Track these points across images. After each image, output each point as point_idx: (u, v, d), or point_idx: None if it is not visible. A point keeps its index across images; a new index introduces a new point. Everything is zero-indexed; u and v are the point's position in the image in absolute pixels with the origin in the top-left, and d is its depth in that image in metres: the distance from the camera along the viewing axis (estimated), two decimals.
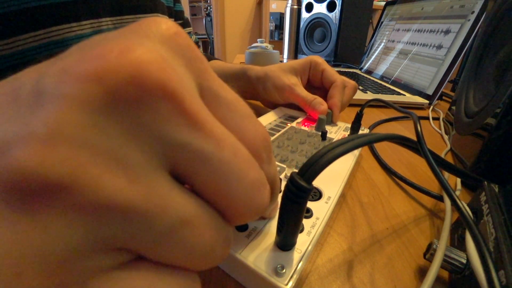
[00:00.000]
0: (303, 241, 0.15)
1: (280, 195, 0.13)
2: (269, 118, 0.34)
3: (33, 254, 0.06)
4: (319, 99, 0.34)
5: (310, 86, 0.39)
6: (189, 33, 0.58)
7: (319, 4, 1.02)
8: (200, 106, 0.08)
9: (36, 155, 0.06)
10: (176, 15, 0.52)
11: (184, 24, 0.57)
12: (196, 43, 0.60)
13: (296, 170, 0.12)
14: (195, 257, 0.08)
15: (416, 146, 0.18)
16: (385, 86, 0.67)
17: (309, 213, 0.18)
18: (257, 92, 0.42)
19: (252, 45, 0.80)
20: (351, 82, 0.38)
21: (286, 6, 1.13)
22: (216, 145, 0.08)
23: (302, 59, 0.38)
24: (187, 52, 0.09)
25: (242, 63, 0.42)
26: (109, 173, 0.06)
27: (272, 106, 0.44)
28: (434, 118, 0.47)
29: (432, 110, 0.52)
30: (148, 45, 0.07)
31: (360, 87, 0.63)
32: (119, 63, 0.07)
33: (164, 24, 0.09)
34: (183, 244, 0.08)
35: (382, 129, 0.43)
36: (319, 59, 0.38)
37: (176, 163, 0.08)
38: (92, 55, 0.07)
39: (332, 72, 0.37)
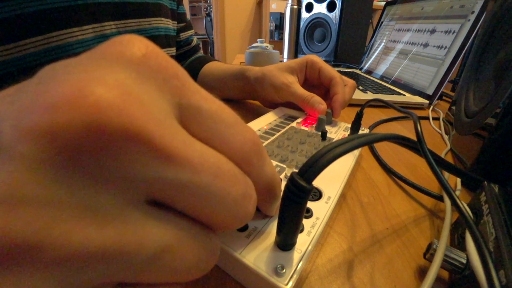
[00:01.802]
0: (303, 241, 0.15)
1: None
2: (269, 118, 0.34)
3: None
4: (317, 98, 0.34)
5: (308, 85, 0.39)
6: (190, 35, 0.58)
7: (319, 4, 1.02)
8: (171, 136, 0.07)
9: None
10: (179, 17, 0.52)
11: (187, 26, 0.57)
12: (197, 45, 0.61)
13: (296, 170, 0.12)
14: (180, 276, 0.08)
15: (416, 146, 0.18)
16: (385, 86, 0.67)
17: (309, 213, 0.18)
18: (256, 92, 0.42)
19: (252, 45, 0.80)
20: (350, 81, 0.38)
21: (286, 6, 1.13)
22: (193, 171, 0.08)
23: (299, 58, 0.39)
24: (159, 73, 0.08)
25: (242, 63, 0.42)
26: (77, 225, 0.06)
27: (271, 106, 0.44)
28: (434, 118, 0.47)
29: (432, 110, 0.52)
30: (108, 80, 0.07)
31: (360, 87, 0.63)
32: (72, 113, 0.06)
33: (131, 46, 0.08)
34: (166, 268, 0.08)
35: (382, 129, 0.43)
36: (316, 58, 0.38)
37: (152, 194, 0.08)
38: (44, 103, 0.06)
39: (329, 69, 0.37)
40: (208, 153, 0.09)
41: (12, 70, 0.28)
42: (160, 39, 0.44)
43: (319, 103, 0.34)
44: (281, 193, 0.13)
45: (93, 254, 0.06)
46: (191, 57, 0.58)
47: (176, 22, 0.50)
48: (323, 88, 0.38)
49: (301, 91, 0.36)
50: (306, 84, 0.39)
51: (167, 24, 0.45)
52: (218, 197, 0.09)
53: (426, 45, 0.62)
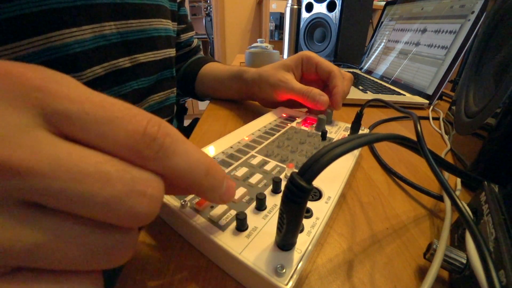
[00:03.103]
0: (303, 241, 0.15)
1: (280, 195, 0.13)
2: (269, 118, 0.34)
3: None
4: (316, 90, 0.34)
5: (305, 81, 0.39)
6: (191, 36, 0.58)
7: (319, 4, 1.02)
8: (13, 150, 0.08)
9: None
10: (180, 19, 0.53)
11: (188, 28, 0.57)
12: (198, 46, 0.62)
13: (296, 170, 0.12)
14: (76, 265, 0.09)
15: (416, 146, 0.18)
16: (385, 86, 0.67)
17: (309, 213, 0.18)
18: (254, 93, 0.42)
19: (252, 45, 0.80)
20: (347, 74, 0.38)
21: (286, 6, 1.13)
22: (43, 178, 0.08)
23: (294, 55, 0.38)
24: (14, 91, 0.09)
25: (242, 63, 0.42)
26: None
27: (270, 106, 0.44)
28: (434, 118, 0.47)
29: (432, 110, 0.52)
30: None
31: (360, 87, 0.63)
32: None
33: None
34: (48, 260, 0.09)
35: (382, 129, 0.43)
36: (311, 53, 0.38)
37: (21, 198, 0.09)
38: None
39: (326, 63, 0.37)
40: (71, 156, 0.09)
41: None
42: (160, 40, 0.44)
43: (320, 95, 0.34)
44: (221, 182, 0.13)
45: None
46: (191, 58, 0.58)
47: (176, 24, 0.51)
48: (321, 83, 0.38)
49: (299, 85, 0.35)
50: (303, 80, 0.39)
51: (167, 25, 0.46)
52: (85, 199, 0.09)
53: (426, 45, 0.62)
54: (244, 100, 0.51)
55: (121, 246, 0.10)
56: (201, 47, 0.63)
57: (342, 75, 0.37)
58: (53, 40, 0.29)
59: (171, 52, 0.48)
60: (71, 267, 0.10)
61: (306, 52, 0.38)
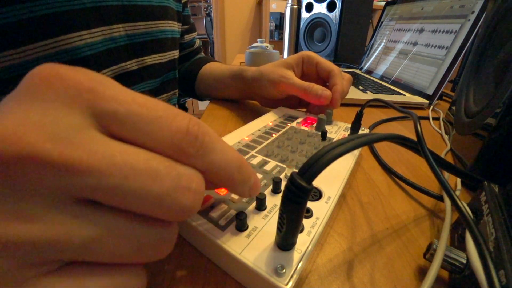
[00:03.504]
0: (303, 241, 0.15)
1: (280, 195, 0.13)
2: (269, 118, 0.34)
3: None
4: (318, 85, 0.34)
5: (306, 80, 0.39)
6: (194, 37, 0.59)
7: (319, 4, 1.02)
8: (71, 149, 0.09)
9: None
10: (184, 19, 0.53)
11: (191, 29, 0.57)
12: (199, 47, 0.62)
13: (296, 170, 0.12)
14: (124, 258, 0.10)
15: (416, 146, 0.18)
16: (385, 86, 0.67)
17: (309, 213, 0.18)
18: (254, 91, 0.42)
19: (252, 45, 0.80)
20: (347, 75, 0.38)
21: (286, 6, 1.13)
22: (99, 176, 0.09)
23: (295, 54, 0.39)
24: (65, 93, 0.09)
25: (242, 63, 0.43)
26: (9, 224, 0.08)
27: (269, 104, 0.44)
28: (434, 118, 0.47)
29: (432, 110, 0.52)
30: (9, 118, 0.08)
31: (360, 87, 0.63)
32: None
33: (36, 78, 0.09)
34: (102, 253, 0.10)
35: (382, 129, 0.43)
36: (311, 53, 0.38)
37: (76, 195, 0.09)
38: None
39: (327, 62, 0.37)
40: (122, 155, 0.09)
41: (21, 73, 0.28)
42: (167, 42, 0.44)
43: (322, 90, 0.34)
44: (250, 176, 0.14)
45: (27, 242, 0.08)
46: (193, 58, 0.59)
47: (180, 24, 0.51)
48: (321, 83, 0.38)
49: (301, 81, 0.36)
50: (304, 79, 0.39)
51: (173, 27, 0.46)
52: (137, 195, 0.09)
53: (426, 45, 0.62)
54: (244, 99, 0.51)
55: (165, 240, 0.11)
56: (202, 47, 0.63)
57: (342, 75, 0.37)
58: (64, 44, 0.29)
59: (176, 53, 0.49)
60: (120, 260, 0.10)
61: (306, 52, 0.38)
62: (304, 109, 0.39)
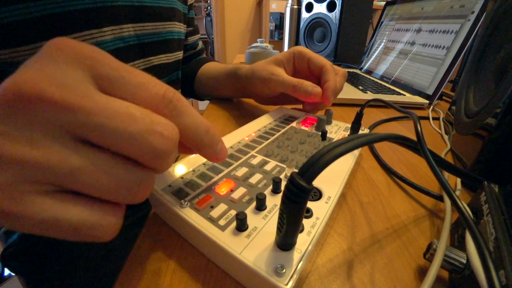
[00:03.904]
0: (303, 241, 0.15)
1: (280, 195, 0.13)
2: (269, 118, 0.34)
3: None
4: (308, 82, 0.34)
5: (298, 77, 0.38)
6: (197, 39, 0.60)
7: (319, 4, 1.02)
8: (71, 93, 0.11)
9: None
10: (188, 21, 0.54)
11: (195, 31, 0.58)
12: (202, 49, 0.64)
13: (296, 170, 0.12)
14: (102, 192, 0.12)
15: (416, 146, 0.18)
16: (385, 86, 0.67)
17: (309, 213, 0.18)
18: (248, 89, 0.42)
19: (252, 45, 0.80)
20: (341, 70, 0.37)
21: (286, 6, 1.13)
22: (87, 114, 0.11)
23: (286, 51, 0.38)
24: (74, 58, 0.12)
25: (242, 63, 0.43)
26: (18, 146, 0.11)
27: (266, 102, 0.44)
28: (434, 118, 0.47)
29: (432, 110, 0.52)
30: (32, 70, 0.11)
31: (360, 87, 0.63)
32: (10, 90, 0.10)
33: (54, 46, 0.12)
34: (85, 182, 0.12)
35: (382, 129, 0.43)
36: (303, 48, 0.37)
37: (72, 133, 0.11)
38: (2, 86, 0.11)
39: (319, 58, 0.36)
40: (108, 102, 0.12)
41: None
42: (173, 43, 0.44)
43: (312, 86, 0.33)
44: (218, 141, 0.17)
45: (28, 162, 0.11)
46: (194, 59, 0.60)
47: (186, 26, 0.51)
48: (314, 79, 0.37)
49: (290, 78, 0.35)
50: (296, 76, 0.38)
51: (180, 28, 0.46)
52: (116, 133, 0.11)
53: (426, 45, 0.62)
54: (240, 97, 0.51)
55: (141, 182, 0.13)
56: (203, 49, 0.64)
57: (334, 70, 0.36)
58: None
59: (180, 54, 0.49)
60: (100, 194, 0.12)
61: (298, 47, 0.37)
62: (301, 106, 0.38)
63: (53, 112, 0.11)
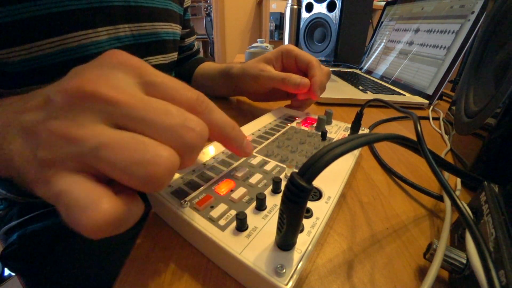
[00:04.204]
0: (303, 241, 0.15)
1: (280, 195, 0.13)
2: (269, 118, 0.34)
3: None
4: (296, 75, 0.34)
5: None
6: (193, 41, 0.61)
7: (319, 4, 1.02)
8: (115, 91, 0.13)
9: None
10: (184, 23, 0.54)
11: (191, 32, 0.59)
12: (198, 50, 0.65)
13: (296, 170, 0.12)
14: (121, 171, 0.13)
15: (416, 146, 0.18)
16: (385, 86, 0.67)
17: (309, 213, 0.18)
18: (240, 87, 0.43)
19: (252, 45, 0.80)
20: (326, 68, 0.38)
21: (286, 6, 1.14)
22: (129, 107, 0.13)
23: (275, 49, 0.39)
24: (126, 67, 0.15)
25: (242, 63, 0.43)
26: (68, 125, 0.13)
27: (258, 99, 0.45)
28: (434, 118, 0.47)
29: (432, 110, 0.52)
30: (85, 73, 0.14)
31: (360, 87, 0.63)
32: (74, 87, 0.13)
33: (111, 54, 0.15)
34: (106, 159, 0.12)
35: (382, 129, 0.43)
36: (291, 46, 0.38)
37: (115, 121, 0.13)
38: (68, 84, 0.13)
39: (305, 55, 0.37)
40: (151, 101, 0.14)
41: (31, 67, 0.29)
42: (169, 43, 0.45)
43: (301, 78, 0.34)
44: (243, 136, 0.19)
45: (77, 140, 0.12)
46: (191, 60, 0.60)
47: (181, 28, 0.52)
48: (301, 75, 0.38)
49: (278, 72, 0.36)
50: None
51: (176, 29, 0.47)
52: (153, 124, 0.13)
53: (426, 45, 0.62)
54: (233, 95, 0.52)
55: (158, 163, 0.13)
56: (200, 49, 0.65)
57: (321, 67, 0.37)
58: (70, 41, 0.30)
59: (175, 55, 0.50)
60: (119, 173, 0.13)
61: (286, 46, 0.38)
62: (305, 111, 0.39)
63: (103, 105, 0.13)
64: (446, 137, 0.39)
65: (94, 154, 0.12)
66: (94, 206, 0.12)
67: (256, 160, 0.24)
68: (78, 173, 0.13)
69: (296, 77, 0.34)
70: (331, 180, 0.22)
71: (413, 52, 0.66)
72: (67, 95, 0.13)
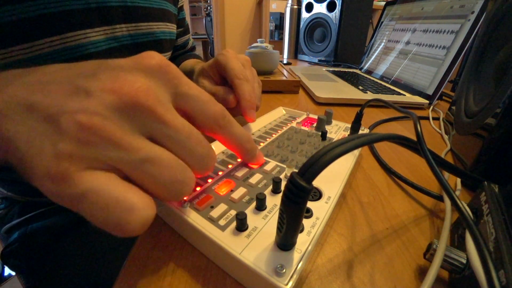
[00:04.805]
0: (303, 241, 0.15)
1: (280, 195, 0.13)
2: (269, 118, 0.34)
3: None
4: (221, 92, 0.30)
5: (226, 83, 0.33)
6: (187, 39, 0.61)
7: (319, 4, 1.02)
8: (165, 110, 0.15)
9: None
10: (178, 22, 0.54)
11: (185, 31, 0.59)
12: (193, 47, 0.66)
13: (296, 170, 0.12)
14: (159, 186, 0.14)
15: (416, 146, 0.18)
16: (385, 86, 0.67)
17: (309, 213, 0.18)
18: None
19: (252, 45, 0.80)
20: (253, 76, 0.34)
21: (286, 6, 1.14)
22: (175, 131, 0.15)
23: (212, 59, 0.34)
24: (164, 75, 0.16)
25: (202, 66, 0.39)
26: (116, 130, 0.13)
27: None
28: (434, 118, 0.47)
29: (432, 110, 0.52)
30: (133, 78, 0.14)
31: (360, 87, 0.63)
32: (127, 93, 0.14)
33: (151, 60, 0.16)
34: (149, 173, 0.13)
35: (382, 129, 0.43)
36: (222, 56, 0.32)
37: (153, 136, 0.15)
38: (112, 86, 0.13)
39: (231, 67, 0.30)
40: (185, 124, 0.15)
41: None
42: (165, 43, 0.45)
43: (223, 98, 0.30)
44: (256, 148, 0.22)
45: (117, 142, 0.13)
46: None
47: (176, 27, 0.52)
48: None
49: (209, 88, 0.32)
50: (225, 83, 0.33)
51: (172, 29, 0.47)
52: (189, 151, 0.15)
53: (426, 45, 0.62)
54: None
55: (189, 183, 0.15)
56: (195, 47, 0.65)
57: (248, 81, 0.30)
58: (69, 41, 0.30)
59: (170, 55, 0.51)
60: (157, 188, 0.14)
61: (219, 55, 0.32)
62: (306, 111, 0.39)
63: (152, 121, 0.14)
64: (446, 137, 0.39)
65: (138, 166, 0.13)
66: (141, 206, 0.13)
67: None
68: (107, 173, 0.13)
69: (221, 94, 0.30)
70: (331, 180, 0.22)
71: (413, 52, 0.66)
72: (118, 99, 0.13)
